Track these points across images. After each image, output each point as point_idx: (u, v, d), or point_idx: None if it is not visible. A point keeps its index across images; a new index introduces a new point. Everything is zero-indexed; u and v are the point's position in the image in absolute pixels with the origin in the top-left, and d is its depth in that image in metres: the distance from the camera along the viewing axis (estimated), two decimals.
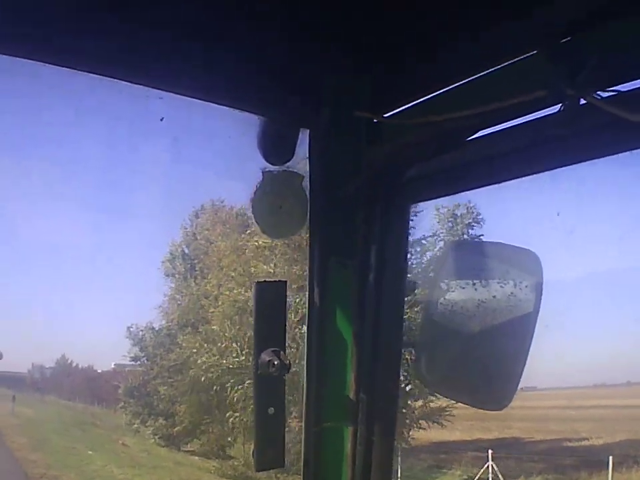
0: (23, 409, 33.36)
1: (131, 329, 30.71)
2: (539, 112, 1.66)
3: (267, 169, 2.09)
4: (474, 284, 2.07)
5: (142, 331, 30.73)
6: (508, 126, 1.74)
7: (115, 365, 40.35)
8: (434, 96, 1.92)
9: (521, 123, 1.72)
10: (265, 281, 1.97)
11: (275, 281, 1.95)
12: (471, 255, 2.25)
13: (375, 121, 2.07)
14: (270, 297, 1.93)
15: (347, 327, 2.06)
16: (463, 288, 2.11)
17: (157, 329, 30.60)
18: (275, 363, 1.85)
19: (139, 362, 30.90)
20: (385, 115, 2.05)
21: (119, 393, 31.38)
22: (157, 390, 28.43)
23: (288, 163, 2.09)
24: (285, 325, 1.95)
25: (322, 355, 2.07)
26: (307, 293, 2.09)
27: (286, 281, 1.97)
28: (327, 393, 2.07)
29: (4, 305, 43.94)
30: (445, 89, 1.88)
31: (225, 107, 2.02)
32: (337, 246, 2.07)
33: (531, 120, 1.68)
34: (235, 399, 22.77)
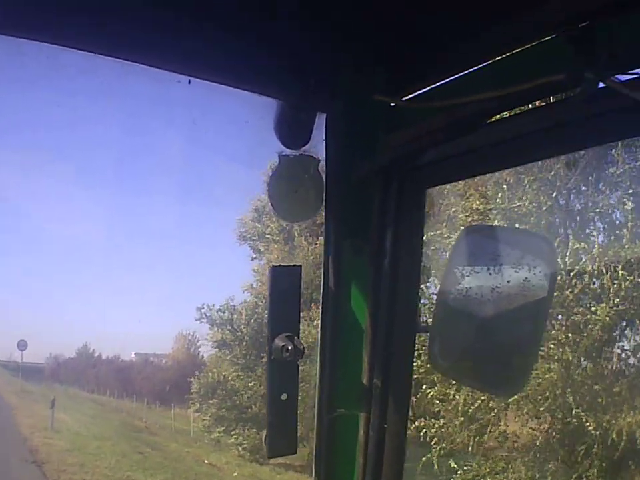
0: (59, 415, 24.51)
1: (202, 310, 23.04)
2: (556, 95, 1.64)
3: (283, 153, 2.09)
4: (488, 269, 2.06)
5: (219, 311, 23.10)
6: (525, 110, 1.73)
7: (135, 354, 38.67)
8: (451, 80, 1.90)
9: (538, 107, 1.71)
10: (280, 265, 1.97)
11: (290, 266, 1.95)
12: (485, 240, 2.24)
13: (391, 104, 2.06)
14: (285, 281, 1.93)
15: (362, 312, 2.06)
16: (477, 273, 2.10)
17: (237, 307, 22.93)
18: (289, 348, 1.85)
19: (224, 350, 23.23)
20: (402, 99, 2.03)
21: (192, 390, 23.69)
22: (247, 386, 21.96)
23: (305, 147, 2.09)
24: (300, 310, 1.95)
25: (336, 340, 2.07)
26: (322, 276, 2.09)
27: (301, 266, 1.96)
28: (340, 379, 2.07)
29: (29, 295, 43.93)
30: (462, 73, 1.87)
31: (241, 91, 2.02)
32: (352, 230, 2.06)
33: (549, 103, 1.67)
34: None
